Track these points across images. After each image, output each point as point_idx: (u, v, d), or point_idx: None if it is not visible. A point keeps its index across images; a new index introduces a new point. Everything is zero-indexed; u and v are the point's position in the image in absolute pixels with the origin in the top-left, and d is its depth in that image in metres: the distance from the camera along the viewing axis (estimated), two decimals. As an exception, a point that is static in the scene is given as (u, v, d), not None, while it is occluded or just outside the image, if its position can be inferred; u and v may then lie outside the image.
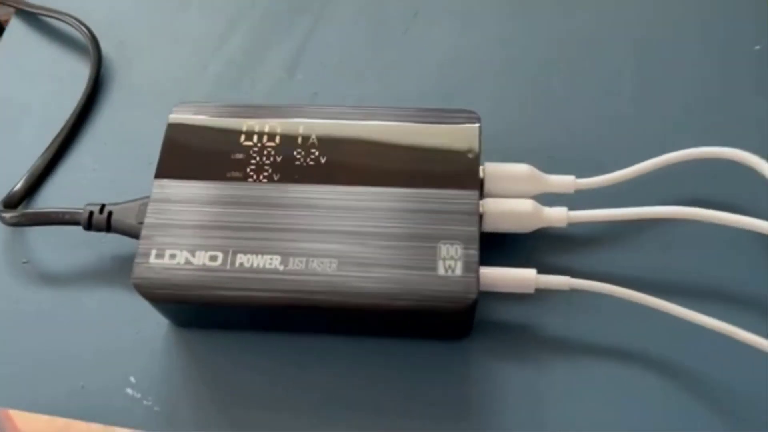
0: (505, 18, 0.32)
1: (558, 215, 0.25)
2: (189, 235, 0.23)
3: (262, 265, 0.23)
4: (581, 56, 0.30)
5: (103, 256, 0.27)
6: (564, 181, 0.25)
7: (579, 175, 0.25)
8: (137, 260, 0.23)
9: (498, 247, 0.24)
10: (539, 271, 0.24)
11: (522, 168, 0.25)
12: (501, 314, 0.25)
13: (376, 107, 0.25)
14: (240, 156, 0.25)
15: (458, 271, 0.22)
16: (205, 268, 0.23)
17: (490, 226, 0.24)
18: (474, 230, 0.23)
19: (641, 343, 0.24)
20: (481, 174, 0.24)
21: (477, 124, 0.25)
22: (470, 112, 0.25)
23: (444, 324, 0.23)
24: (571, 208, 0.25)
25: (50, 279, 0.27)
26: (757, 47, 0.30)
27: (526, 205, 0.24)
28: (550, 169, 0.26)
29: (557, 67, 0.30)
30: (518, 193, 0.25)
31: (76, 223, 0.26)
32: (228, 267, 0.23)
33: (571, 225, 0.25)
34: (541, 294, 0.24)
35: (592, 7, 0.32)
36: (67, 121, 0.30)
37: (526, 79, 0.30)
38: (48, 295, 0.26)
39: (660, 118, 0.29)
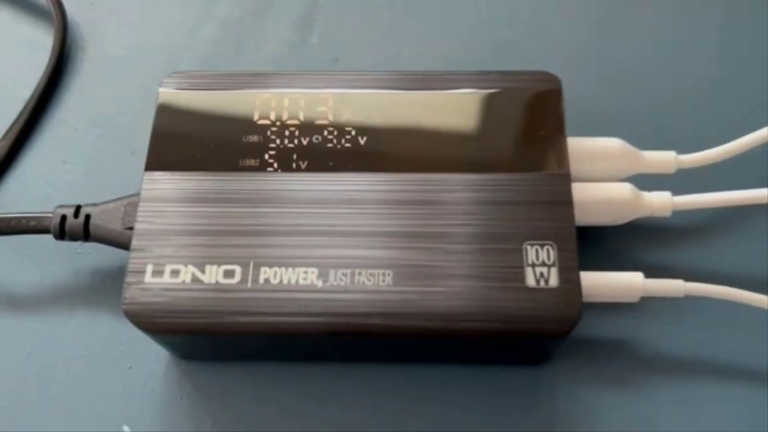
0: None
1: (661, 202, 0.20)
2: (195, 243, 0.18)
3: (295, 280, 0.17)
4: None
5: (80, 270, 0.22)
6: (663, 159, 0.20)
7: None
8: (128, 279, 0.18)
9: (581, 242, 0.19)
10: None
11: (613, 143, 0.20)
12: (593, 328, 0.20)
13: (427, 72, 0.20)
14: (255, 138, 0.19)
15: (553, 281, 0.17)
16: (218, 288, 0.17)
17: (576, 218, 0.19)
18: (570, 225, 0.18)
19: (769, 358, 0.19)
20: (564, 152, 0.19)
21: (558, 88, 0.19)
22: (547, 73, 0.20)
23: (532, 348, 0.18)
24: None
25: (15, 302, 0.21)
26: None
27: (624, 190, 0.19)
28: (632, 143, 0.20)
29: (632, 19, 0.25)
30: (607, 175, 0.20)
31: (44, 230, 0.20)
32: (249, 285, 0.17)
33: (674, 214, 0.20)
34: (645, 301, 0.19)
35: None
36: (28, 102, 0.24)
37: (596, 35, 0.25)
38: (12, 322, 0.21)
39: (761, 80, 0.23)
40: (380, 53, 0.25)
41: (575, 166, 0.19)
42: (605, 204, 0.19)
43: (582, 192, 0.19)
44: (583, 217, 0.19)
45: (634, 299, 0.19)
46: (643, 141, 0.20)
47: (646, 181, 0.20)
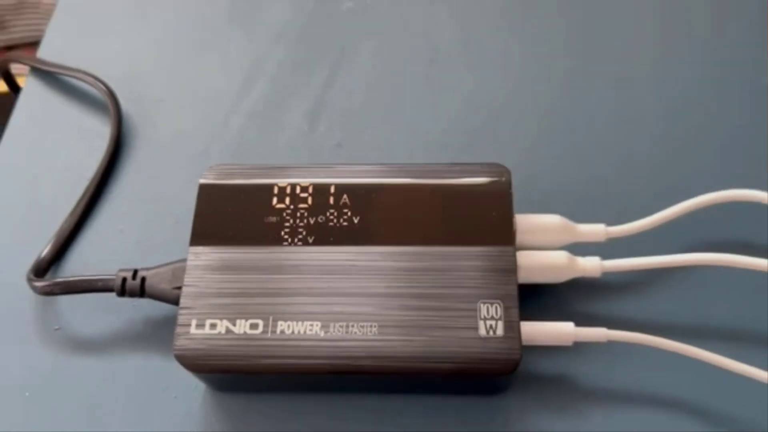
0: (524, 60, 0.32)
1: (592, 266, 0.25)
2: (228, 303, 0.23)
3: (303, 331, 0.23)
4: (602, 98, 0.31)
5: (134, 320, 0.27)
6: (595, 231, 0.25)
7: (608, 222, 0.26)
8: (178, 331, 0.23)
9: (531, 296, 0.25)
10: (575, 321, 0.24)
11: (553, 219, 0.25)
12: (539, 367, 0.25)
13: (405, 165, 0.26)
14: (273, 219, 0.25)
15: (500, 332, 0.22)
16: (246, 337, 0.23)
17: (524, 278, 0.24)
18: (513, 288, 0.23)
19: (679, 391, 0.24)
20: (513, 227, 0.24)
21: (508, 179, 0.25)
22: (499, 165, 0.25)
23: (486, 383, 0.23)
24: (602, 256, 0.25)
25: (83, 345, 0.27)
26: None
27: (560, 257, 0.25)
28: (576, 215, 0.26)
29: (577, 109, 0.30)
30: (550, 244, 0.25)
31: (109, 289, 0.26)
32: (269, 335, 0.23)
33: (604, 274, 0.25)
34: (579, 345, 0.24)
35: (612, 48, 0.32)
36: (91, 182, 0.29)
37: (546, 123, 0.30)
38: (81, 362, 0.26)
39: (687, 159, 0.29)
40: (376, 139, 0.30)
41: (522, 237, 0.25)
42: (545, 268, 0.24)
43: (527, 259, 0.24)
44: (528, 278, 0.24)
45: (568, 343, 0.24)
46: (581, 215, 0.26)
47: (582, 248, 0.25)
